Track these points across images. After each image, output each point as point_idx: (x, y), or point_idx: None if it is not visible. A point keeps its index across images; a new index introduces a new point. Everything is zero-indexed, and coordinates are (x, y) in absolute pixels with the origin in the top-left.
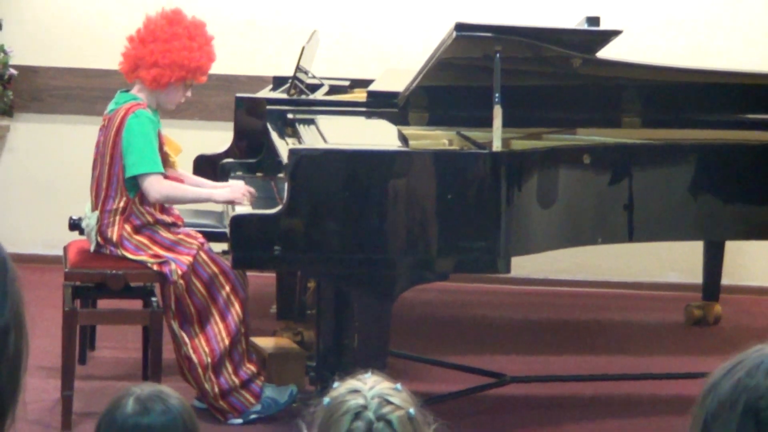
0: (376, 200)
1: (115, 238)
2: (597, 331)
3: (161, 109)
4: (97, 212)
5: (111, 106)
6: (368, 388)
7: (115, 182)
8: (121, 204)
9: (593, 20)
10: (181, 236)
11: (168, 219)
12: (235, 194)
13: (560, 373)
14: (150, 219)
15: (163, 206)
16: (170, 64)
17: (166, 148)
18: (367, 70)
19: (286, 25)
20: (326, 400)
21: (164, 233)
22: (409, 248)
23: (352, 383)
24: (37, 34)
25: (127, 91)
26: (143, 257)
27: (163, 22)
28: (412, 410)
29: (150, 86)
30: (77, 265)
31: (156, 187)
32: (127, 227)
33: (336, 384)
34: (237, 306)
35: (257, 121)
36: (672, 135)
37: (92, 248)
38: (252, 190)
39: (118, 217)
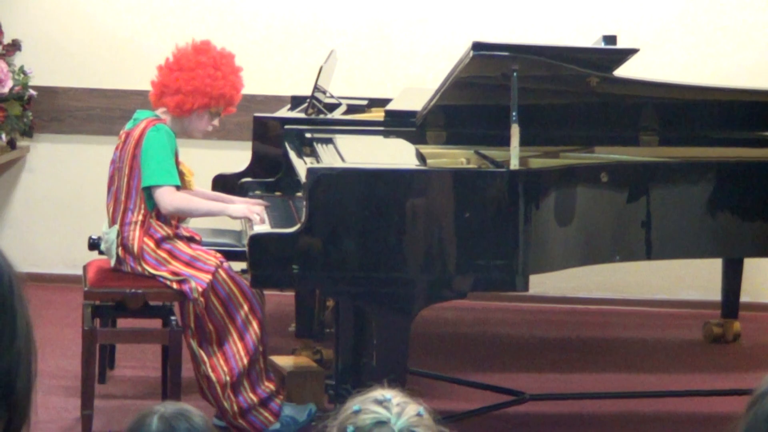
0: (394, 219)
1: (136, 249)
2: (615, 349)
3: (187, 136)
4: (116, 226)
5: (129, 124)
6: (395, 418)
7: (134, 194)
8: (140, 217)
9: (610, 39)
10: (199, 252)
11: (185, 234)
12: (250, 212)
13: (579, 390)
14: (170, 232)
15: (178, 222)
16: (192, 91)
17: (180, 167)
18: (385, 89)
19: (304, 45)
20: (350, 428)
21: (183, 248)
22: (427, 266)
23: (377, 411)
24: (56, 55)
25: (147, 110)
26: (163, 273)
27: (190, 51)
28: None
29: (173, 113)
30: (96, 285)
31: (168, 198)
32: (148, 241)
33: (357, 407)
34: (255, 325)
35: (275, 140)
36: (690, 153)
37: (112, 263)
38: (263, 214)
39: (138, 230)
